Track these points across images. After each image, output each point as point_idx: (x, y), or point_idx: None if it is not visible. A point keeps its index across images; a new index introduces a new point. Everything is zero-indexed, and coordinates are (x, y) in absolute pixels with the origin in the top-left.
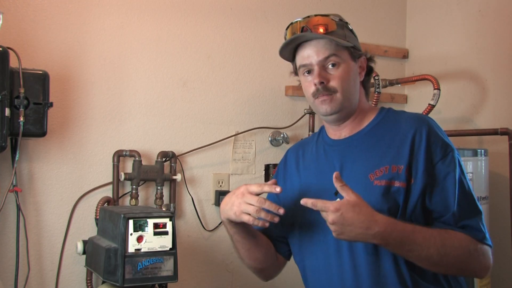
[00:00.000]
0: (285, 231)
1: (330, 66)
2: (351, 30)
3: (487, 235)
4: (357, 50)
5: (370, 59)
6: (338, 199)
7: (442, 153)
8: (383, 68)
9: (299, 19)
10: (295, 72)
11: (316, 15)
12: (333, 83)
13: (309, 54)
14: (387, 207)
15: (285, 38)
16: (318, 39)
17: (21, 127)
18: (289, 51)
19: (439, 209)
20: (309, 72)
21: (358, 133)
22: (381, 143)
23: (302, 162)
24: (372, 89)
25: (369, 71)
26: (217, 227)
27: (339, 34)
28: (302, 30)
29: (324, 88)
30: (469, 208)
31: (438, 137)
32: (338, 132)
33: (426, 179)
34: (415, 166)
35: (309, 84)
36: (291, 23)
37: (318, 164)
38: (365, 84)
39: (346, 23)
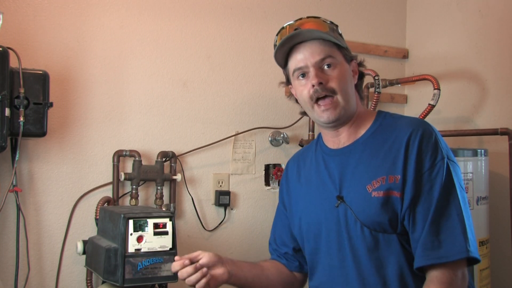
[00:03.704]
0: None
1: (326, 68)
2: (341, 34)
3: (470, 246)
4: (349, 52)
5: (360, 64)
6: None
7: (430, 162)
8: (383, 68)
9: (290, 22)
10: (287, 81)
11: (308, 17)
12: (332, 84)
13: (305, 56)
14: (387, 218)
15: (275, 44)
16: (311, 41)
17: (21, 127)
18: (282, 55)
19: (419, 220)
20: (303, 75)
21: (356, 141)
22: (378, 153)
23: (303, 173)
24: (372, 89)
25: (361, 75)
26: (217, 227)
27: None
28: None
29: (322, 89)
30: (448, 222)
31: (430, 144)
32: (336, 139)
33: (414, 191)
34: (407, 175)
35: (305, 87)
36: (282, 27)
37: (319, 174)
38: (358, 88)
39: (337, 26)
